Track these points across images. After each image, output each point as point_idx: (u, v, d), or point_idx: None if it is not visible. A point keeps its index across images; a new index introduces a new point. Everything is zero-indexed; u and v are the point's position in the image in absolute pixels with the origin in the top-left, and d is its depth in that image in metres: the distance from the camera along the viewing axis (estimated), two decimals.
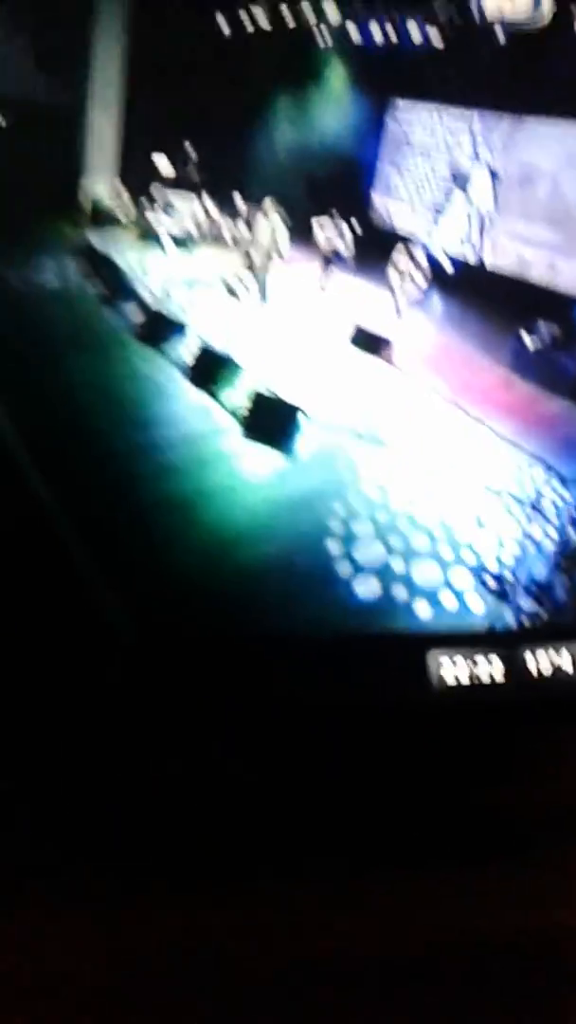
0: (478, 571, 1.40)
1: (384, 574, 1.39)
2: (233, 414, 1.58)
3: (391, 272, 1.81)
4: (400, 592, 1.38)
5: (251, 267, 1.87)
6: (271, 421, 1.52)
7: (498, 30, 1.58)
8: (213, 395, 1.62)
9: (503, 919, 1.17)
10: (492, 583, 1.39)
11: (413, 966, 1.12)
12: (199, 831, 1.25)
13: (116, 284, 1.86)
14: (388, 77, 1.91)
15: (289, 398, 1.56)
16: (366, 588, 1.38)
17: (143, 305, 1.80)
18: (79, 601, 1.38)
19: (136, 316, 1.78)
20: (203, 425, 1.56)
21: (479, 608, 1.38)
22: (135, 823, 1.25)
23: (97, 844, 1.22)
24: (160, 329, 1.74)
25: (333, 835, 1.25)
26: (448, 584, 1.39)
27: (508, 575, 1.38)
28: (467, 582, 1.40)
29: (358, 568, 1.39)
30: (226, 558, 1.40)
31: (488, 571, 1.40)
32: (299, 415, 1.53)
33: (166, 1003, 1.07)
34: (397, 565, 1.41)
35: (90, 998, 1.07)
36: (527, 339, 1.75)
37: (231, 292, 1.83)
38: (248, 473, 1.48)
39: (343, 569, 1.39)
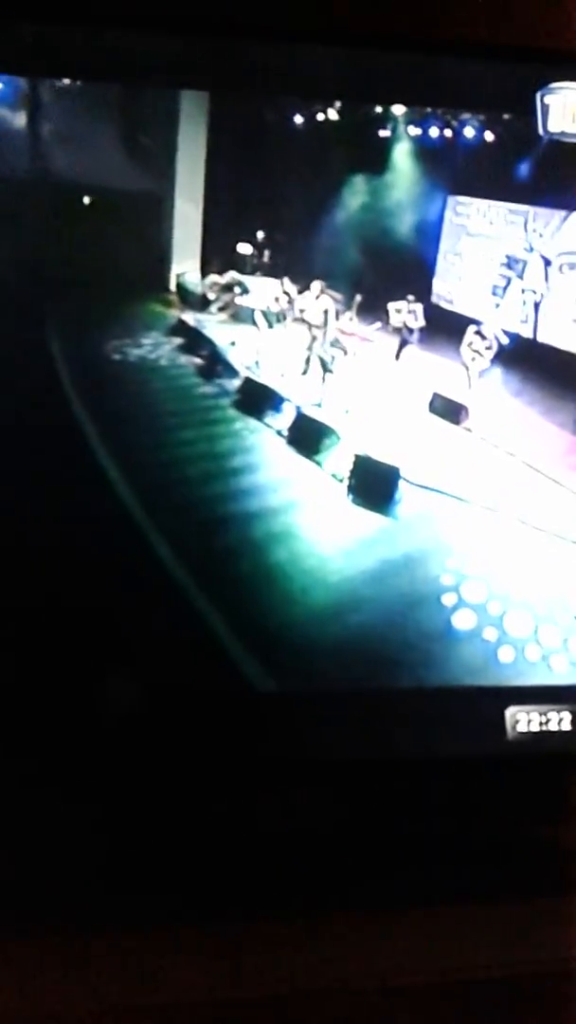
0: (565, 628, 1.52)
1: (486, 629, 1.51)
2: (335, 477, 1.72)
3: (463, 349, 2.00)
4: (495, 646, 1.49)
5: (311, 344, 2.06)
6: (373, 484, 1.65)
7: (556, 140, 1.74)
8: (315, 461, 1.76)
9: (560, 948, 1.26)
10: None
11: (483, 990, 1.21)
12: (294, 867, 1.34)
13: (211, 357, 2.03)
14: (449, 175, 2.12)
15: (386, 461, 1.70)
16: (473, 643, 1.48)
17: (238, 376, 1.96)
18: (211, 651, 1.46)
19: (232, 386, 1.93)
20: (310, 490, 1.69)
21: (561, 665, 1.48)
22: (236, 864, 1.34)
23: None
24: (256, 399, 1.89)
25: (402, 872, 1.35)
26: (536, 640, 1.50)
27: None
28: (554, 638, 1.51)
29: (473, 623, 1.50)
30: (344, 615, 1.48)
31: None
32: (399, 477, 1.67)
33: None
34: (498, 621, 1.52)
35: None
36: None
37: (324, 366, 2.00)
38: (358, 535, 1.60)
39: (460, 623, 1.49)
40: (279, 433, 1.85)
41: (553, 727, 1.43)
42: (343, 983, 1.20)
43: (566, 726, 1.43)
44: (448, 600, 1.52)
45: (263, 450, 1.81)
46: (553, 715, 1.43)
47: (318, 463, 1.76)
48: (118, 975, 1.14)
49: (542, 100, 1.54)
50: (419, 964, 1.23)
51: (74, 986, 1.11)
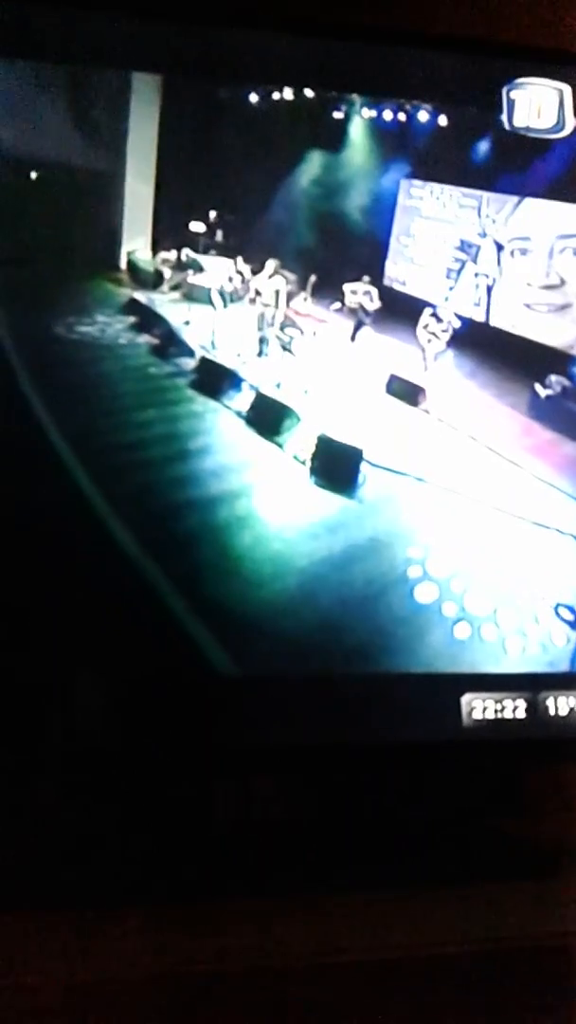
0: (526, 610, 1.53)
1: (446, 613, 1.52)
2: (296, 459, 1.71)
3: (419, 331, 2.01)
4: (454, 631, 1.50)
5: (263, 324, 2.05)
6: (336, 465, 1.64)
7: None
8: (276, 443, 1.74)
9: (517, 929, 1.30)
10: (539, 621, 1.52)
11: (421, 968, 1.24)
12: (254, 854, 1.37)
13: (165, 336, 1.98)
14: (403, 158, 2.12)
15: (349, 442, 1.69)
16: (433, 628, 1.49)
17: (194, 356, 1.93)
18: (175, 637, 1.44)
19: (189, 366, 1.90)
20: (273, 471, 1.68)
21: (515, 650, 1.49)
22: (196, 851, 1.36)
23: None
24: (214, 379, 1.86)
25: (355, 859, 1.38)
26: (496, 623, 1.52)
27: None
28: (512, 623, 1.52)
29: (434, 607, 1.51)
30: (307, 599, 1.47)
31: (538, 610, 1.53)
32: (362, 459, 1.67)
33: None
34: (459, 605, 1.52)
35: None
36: (540, 390, 1.97)
37: (284, 346, 1.98)
38: (323, 518, 1.60)
39: (422, 608, 1.50)
40: (238, 414, 1.82)
41: (508, 715, 1.46)
42: (308, 960, 1.22)
43: (520, 714, 1.46)
44: (411, 585, 1.53)
45: (223, 431, 1.78)
46: (508, 703, 1.46)
47: (279, 444, 1.75)
48: (83, 950, 1.16)
49: (507, 95, 1.57)
50: (373, 941, 1.26)
51: (43, 960, 1.14)
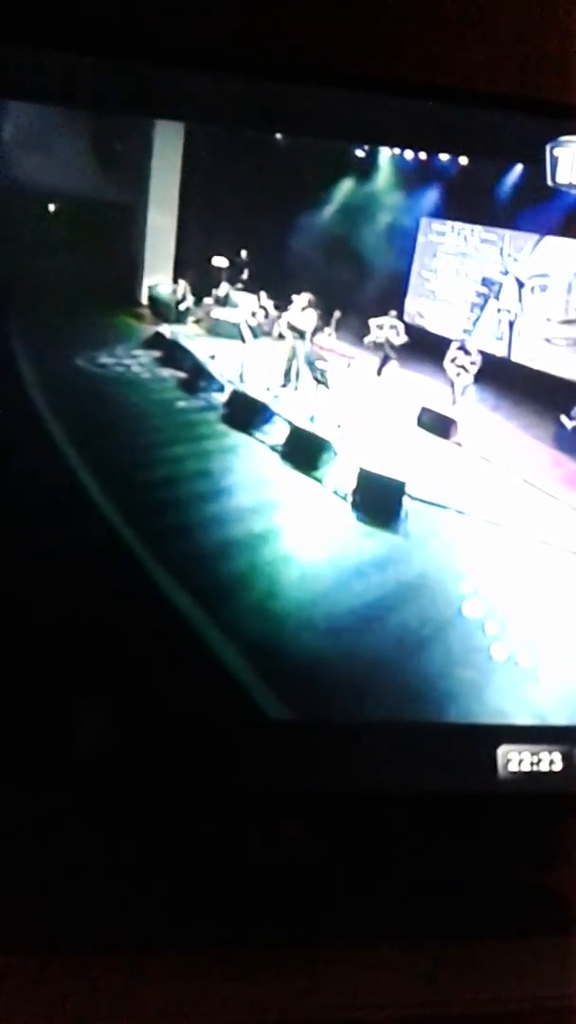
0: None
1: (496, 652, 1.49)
2: (337, 494, 1.68)
3: (447, 364, 2.01)
4: (507, 672, 1.47)
5: (293, 358, 2.03)
6: (379, 500, 1.63)
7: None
8: (314, 477, 1.72)
9: (550, 986, 1.27)
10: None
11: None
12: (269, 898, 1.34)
13: (192, 370, 1.96)
14: (426, 196, 2.15)
15: (390, 475, 1.68)
16: (493, 669, 1.46)
17: (224, 389, 1.90)
18: (219, 679, 1.40)
19: (219, 400, 1.87)
20: (315, 507, 1.65)
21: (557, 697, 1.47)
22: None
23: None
24: (246, 412, 1.83)
25: (384, 909, 1.35)
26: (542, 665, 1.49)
27: None
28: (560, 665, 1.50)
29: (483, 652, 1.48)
30: (361, 638, 1.44)
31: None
32: (404, 492, 1.65)
33: None
34: (512, 644, 1.50)
35: None
36: (567, 422, 1.98)
37: (319, 380, 1.97)
38: (372, 555, 1.57)
39: (471, 653, 1.46)
40: (273, 448, 1.80)
41: (544, 768, 1.44)
42: (329, 1014, 1.19)
43: (557, 767, 1.44)
44: (466, 625, 1.50)
45: (259, 467, 1.76)
46: (544, 755, 1.44)
47: (318, 479, 1.72)
48: (97, 993, 1.14)
49: (551, 152, 1.58)
50: (401, 997, 1.22)
51: (51, 1003, 1.11)
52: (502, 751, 1.42)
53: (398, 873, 1.43)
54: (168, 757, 1.35)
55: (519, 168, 1.74)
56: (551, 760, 1.43)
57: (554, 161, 1.58)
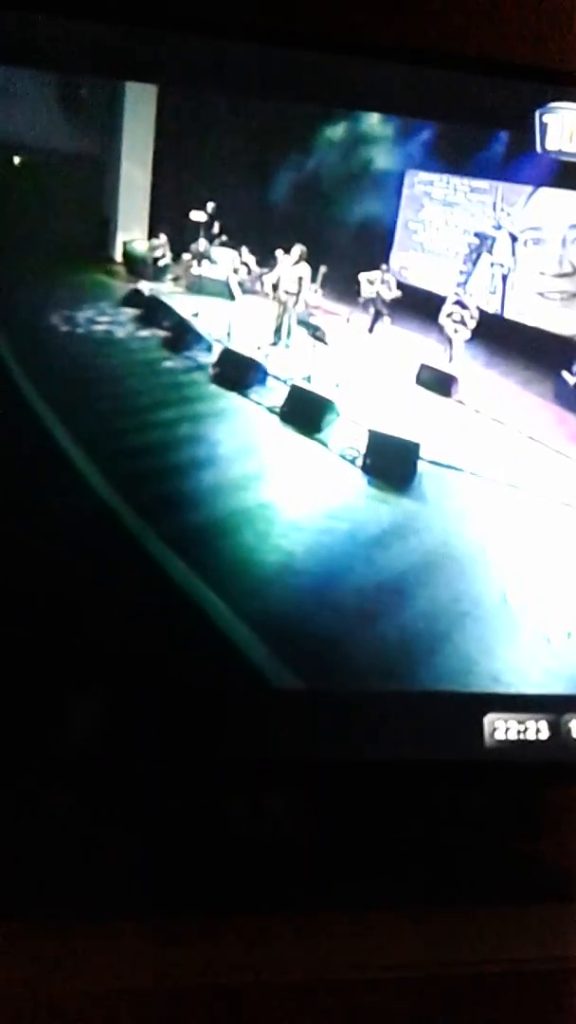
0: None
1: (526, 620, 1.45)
2: (344, 457, 1.59)
3: (443, 320, 1.92)
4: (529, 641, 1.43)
5: (283, 315, 1.92)
6: (392, 462, 1.54)
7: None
8: (319, 440, 1.62)
9: (533, 951, 1.28)
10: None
11: (434, 988, 1.21)
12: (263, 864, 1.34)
13: (176, 328, 1.83)
14: (412, 147, 2.04)
15: (403, 436, 1.59)
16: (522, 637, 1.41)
17: (211, 349, 1.78)
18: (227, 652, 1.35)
19: (208, 359, 1.75)
20: (322, 472, 1.56)
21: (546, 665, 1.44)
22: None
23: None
24: (239, 372, 1.71)
25: (370, 876, 1.36)
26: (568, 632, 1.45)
27: None
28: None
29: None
30: (382, 610, 1.39)
31: None
32: (418, 454, 1.56)
33: None
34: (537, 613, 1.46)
35: None
36: (568, 378, 1.92)
37: (316, 337, 1.86)
38: (384, 522, 1.49)
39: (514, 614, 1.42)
40: (271, 410, 1.69)
41: (531, 736, 1.44)
42: (323, 975, 1.18)
43: (543, 735, 1.44)
44: (497, 595, 1.44)
45: (256, 430, 1.65)
46: (531, 724, 1.44)
47: (322, 442, 1.62)
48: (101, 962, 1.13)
49: (540, 119, 1.56)
50: (385, 960, 1.22)
51: (58, 972, 1.11)
52: (488, 719, 1.42)
53: (385, 840, 1.43)
54: (160, 727, 1.33)
55: (507, 133, 1.70)
56: (537, 728, 1.43)
57: (543, 127, 1.56)
